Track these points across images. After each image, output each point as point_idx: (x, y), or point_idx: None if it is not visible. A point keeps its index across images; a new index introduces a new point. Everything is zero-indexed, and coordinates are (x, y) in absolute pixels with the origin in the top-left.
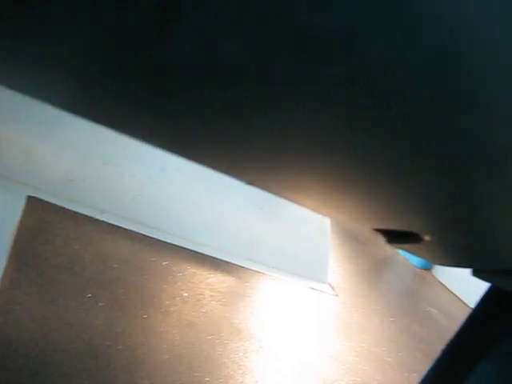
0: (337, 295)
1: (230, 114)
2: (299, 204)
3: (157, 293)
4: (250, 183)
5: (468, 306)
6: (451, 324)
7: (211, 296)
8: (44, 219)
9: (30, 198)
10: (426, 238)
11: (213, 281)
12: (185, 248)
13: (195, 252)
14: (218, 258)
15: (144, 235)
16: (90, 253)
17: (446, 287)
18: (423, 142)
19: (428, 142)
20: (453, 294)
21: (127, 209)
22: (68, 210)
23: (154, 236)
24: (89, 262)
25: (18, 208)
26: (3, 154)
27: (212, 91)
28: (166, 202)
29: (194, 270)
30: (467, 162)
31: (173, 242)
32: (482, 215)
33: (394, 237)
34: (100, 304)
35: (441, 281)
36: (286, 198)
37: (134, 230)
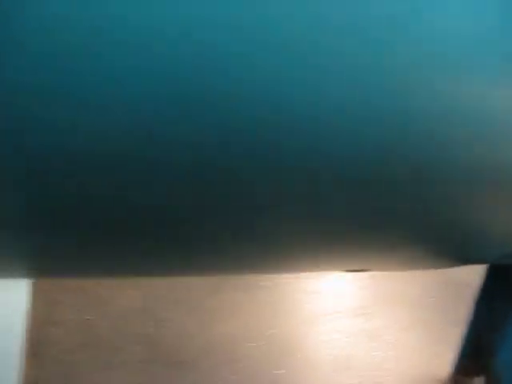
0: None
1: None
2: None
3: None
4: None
5: None
6: None
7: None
8: (52, 299)
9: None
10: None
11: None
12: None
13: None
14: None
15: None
16: (106, 319)
17: None
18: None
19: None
20: None
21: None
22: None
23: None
24: (106, 331)
25: (23, 294)
26: None
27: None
28: None
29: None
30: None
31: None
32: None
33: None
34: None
35: None
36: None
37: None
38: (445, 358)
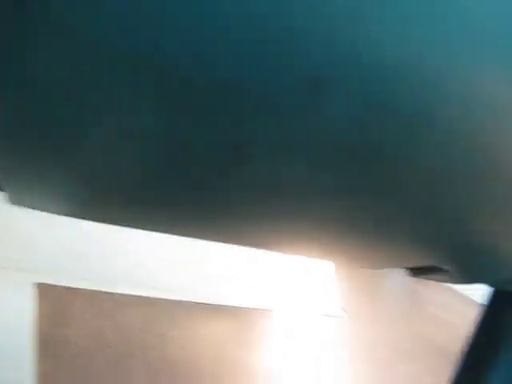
0: (347, 316)
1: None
2: (303, 255)
3: (187, 356)
4: (250, 246)
5: (472, 300)
6: (459, 321)
7: (231, 342)
8: (58, 303)
9: (39, 284)
10: (446, 267)
11: (225, 327)
12: (198, 303)
13: (208, 304)
14: (227, 305)
15: (160, 298)
16: (111, 328)
17: (446, 285)
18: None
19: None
20: (454, 290)
21: (136, 276)
22: (80, 289)
23: (170, 297)
24: (113, 337)
25: (30, 298)
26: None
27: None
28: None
29: (211, 322)
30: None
31: (184, 299)
32: (491, 237)
33: (416, 270)
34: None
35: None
36: (291, 252)
37: (149, 295)
38: None
